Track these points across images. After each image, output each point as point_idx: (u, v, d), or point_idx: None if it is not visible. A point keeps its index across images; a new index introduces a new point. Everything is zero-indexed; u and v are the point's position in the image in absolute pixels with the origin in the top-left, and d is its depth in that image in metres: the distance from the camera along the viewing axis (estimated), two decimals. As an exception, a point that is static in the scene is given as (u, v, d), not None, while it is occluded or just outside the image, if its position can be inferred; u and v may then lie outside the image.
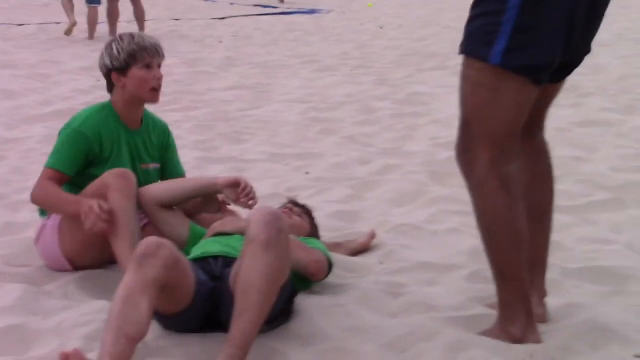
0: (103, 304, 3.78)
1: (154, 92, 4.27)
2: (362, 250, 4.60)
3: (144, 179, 4.31)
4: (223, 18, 16.93)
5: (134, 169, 4.28)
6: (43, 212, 4.34)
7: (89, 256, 4.22)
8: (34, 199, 4.21)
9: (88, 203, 3.96)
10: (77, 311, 3.77)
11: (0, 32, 13.98)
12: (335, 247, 4.54)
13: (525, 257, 3.39)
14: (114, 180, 4.02)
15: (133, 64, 4.20)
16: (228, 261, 3.67)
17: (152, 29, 14.28)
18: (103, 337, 3.09)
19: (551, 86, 3.46)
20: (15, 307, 3.80)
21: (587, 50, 3.41)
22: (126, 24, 14.19)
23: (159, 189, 4.24)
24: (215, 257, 3.72)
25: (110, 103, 4.34)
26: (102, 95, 8.77)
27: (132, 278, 3.15)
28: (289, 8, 19.22)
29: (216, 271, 3.64)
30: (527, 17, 3.14)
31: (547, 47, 3.20)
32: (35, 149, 6.78)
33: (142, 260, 3.17)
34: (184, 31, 14.70)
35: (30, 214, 5.12)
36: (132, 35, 4.27)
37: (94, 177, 4.18)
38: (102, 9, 13.70)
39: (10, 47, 12.34)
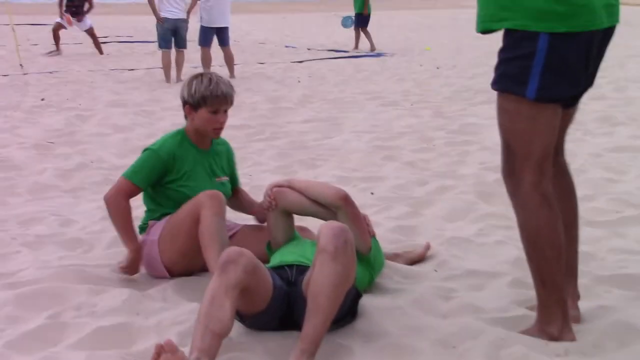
0: (195, 305, 3.81)
1: (216, 131, 4.32)
2: (418, 260, 4.58)
3: (220, 189, 4.36)
4: (301, 61, 17.01)
5: (211, 183, 4.36)
6: (142, 229, 4.42)
7: (184, 265, 4.27)
8: (107, 204, 4.25)
9: (132, 249, 4.19)
10: (174, 312, 3.82)
11: (114, 76, 14.25)
12: (395, 257, 4.53)
13: (562, 265, 3.36)
14: (207, 200, 4.06)
15: (203, 106, 4.23)
16: (301, 269, 3.69)
17: (241, 71, 14.44)
18: (193, 334, 3.13)
19: (567, 111, 3.46)
20: (122, 308, 3.86)
21: (593, 79, 3.42)
22: (219, 67, 14.35)
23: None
24: (290, 266, 3.74)
25: (184, 129, 4.40)
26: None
27: (216, 282, 3.18)
28: (358, 52, 19.25)
29: (291, 277, 3.65)
30: (554, 58, 3.15)
31: (573, 81, 3.24)
32: (141, 174, 6.87)
33: (225, 267, 3.20)
34: (268, 73, 14.82)
35: (136, 229, 5.19)
36: (210, 80, 4.25)
37: (172, 191, 4.28)
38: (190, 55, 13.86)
39: (122, 88, 12.57)
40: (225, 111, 4.31)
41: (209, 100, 4.21)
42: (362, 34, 20.12)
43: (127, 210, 4.24)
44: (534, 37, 3.15)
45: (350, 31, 20.12)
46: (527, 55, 3.17)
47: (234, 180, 4.66)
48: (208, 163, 4.41)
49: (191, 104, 4.26)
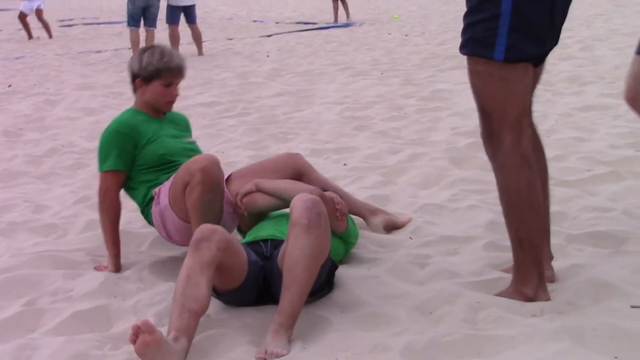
0: (172, 285, 3.79)
1: (168, 105, 4.22)
2: (397, 227, 4.59)
3: (189, 147, 4.28)
4: (269, 35, 16.94)
5: (179, 142, 4.24)
6: (147, 215, 4.26)
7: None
8: (99, 201, 4.18)
9: (113, 255, 4.12)
10: (150, 292, 3.81)
11: (81, 59, 14.11)
12: (379, 211, 4.58)
13: (541, 226, 3.39)
14: (198, 174, 3.83)
15: (156, 79, 4.13)
16: (276, 243, 3.69)
17: (209, 48, 14.35)
18: (170, 313, 3.13)
19: (535, 70, 3.46)
20: (98, 291, 3.84)
21: (558, 38, 3.42)
22: (187, 45, 14.26)
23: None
24: (265, 240, 3.74)
25: (133, 109, 4.27)
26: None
27: (190, 260, 3.17)
28: (327, 23, 19.16)
29: (266, 252, 3.65)
30: (518, 18, 3.16)
31: (539, 40, 3.25)
32: (113, 157, 6.83)
33: (198, 244, 3.19)
34: (236, 48, 14.73)
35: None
36: (162, 52, 4.16)
37: (147, 156, 4.13)
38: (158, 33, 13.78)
39: (90, 71, 12.45)
40: (178, 83, 4.21)
41: (163, 73, 4.12)
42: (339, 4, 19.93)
43: (118, 210, 4.16)
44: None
45: (318, 2, 19.98)
46: (492, 17, 3.17)
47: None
48: (168, 128, 4.28)
49: (143, 77, 4.14)
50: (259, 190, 4.01)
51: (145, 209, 4.24)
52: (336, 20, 19.58)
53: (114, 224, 4.15)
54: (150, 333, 2.91)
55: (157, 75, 4.12)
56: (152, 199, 4.19)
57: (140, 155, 4.16)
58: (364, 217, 4.53)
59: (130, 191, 4.30)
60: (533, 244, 3.36)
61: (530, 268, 3.38)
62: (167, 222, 4.10)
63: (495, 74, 3.24)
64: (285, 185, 4.05)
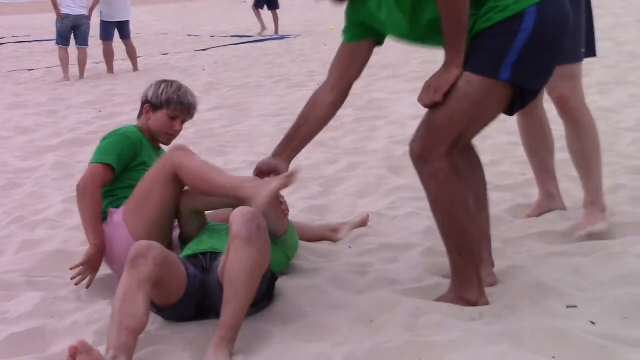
0: (110, 303, 3.76)
1: (168, 138, 4.21)
2: (362, 226, 4.70)
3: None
4: (205, 49, 16.87)
5: None
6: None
7: (158, 236, 3.79)
8: (79, 189, 3.93)
9: (95, 244, 3.90)
10: (89, 311, 3.75)
11: (14, 77, 13.88)
12: (342, 225, 4.66)
13: (477, 230, 3.43)
14: (179, 152, 3.80)
15: (165, 108, 4.14)
16: (215, 255, 3.66)
17: (144, 64, 14.23)
18: (108, 332, 3.09)
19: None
20: (35, 312, 3.77)
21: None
22: (122, 61, 14.13)
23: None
24: (204, 253, 3.72)
25: (135, 126, 4.23)
26: (104, 125, 8.79)
27: (127, 278, 3.14)
28: (262, 36, 19.16)
29: (205, 264, 3.63)
30: (531, 49, 3.23)
31: (542, 78, 3.35)
32: (48, 175, 6.73)
33: (135, 261, 3.16)
34: (172, 63, 14.64)
35: (45, 232, 5.10)
36: (180, 87, 4.20)
37: (134, 178, 4.00)
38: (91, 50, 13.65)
39: (23, 89, 12.25)
40: (183, 121, 4.22)
41: (173, 103, 4.14)
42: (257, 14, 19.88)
43: (99, 201, 3.95)
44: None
45: (254, 16, 19.96)
46: (507, 40, 3.23)
47: None
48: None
49: (152, 104, 4.16)
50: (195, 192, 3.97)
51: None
52: (263, 26, 19.58)
53: (95, 213, 3.92)
54: (88, 353, 2.87)
55: (166, 104, 4.14)
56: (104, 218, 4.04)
57: (132, 170, 4.08)
58: (329, 238, 4.58)
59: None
60: (472, 250, 3.39)
61: (470, 274, 3.42)
62: (115, 243, 3.93)
63: (473, 96, 3.25)
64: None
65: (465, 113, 3.28)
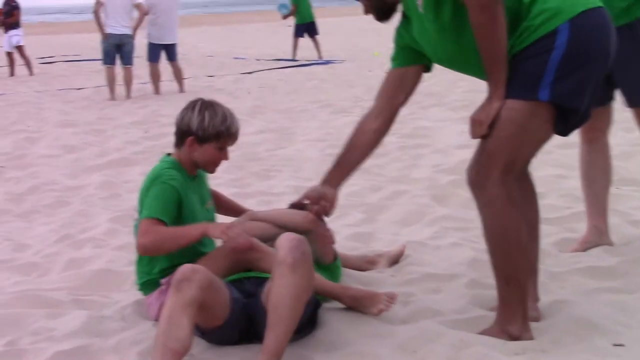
0: (154, 324, 3.81)
1: (214, 167, 3.94)
2: (399, 258, 4.66)
3: (210, 217, 4.06)
4: (250, 72, 17.02)
5: (203, 210, 4.01)
6: (145, 289, 3.96)
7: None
8: (147, 246, 3.66)
9: (215, 225, 3.72)
10: (133, 331, 3.79)
11: (62, 96, 14.12)
12: (378, 257, 4.64)
13: (526, 263, 3.43)
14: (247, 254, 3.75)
15: (213, 141, 3.82)
16: (259, 281, 3.69)
17: (190, 86, 14.38)
18: (152, 354, 3.12)
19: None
20: (80, 330, 3.82)
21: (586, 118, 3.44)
22: (168, 82, 14.30)
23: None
24: (248, 278, 3.75)
25: (173, 158, 3.95)
26: (150, 145, 8.90)
27: (172, 301, 3.17)
28: (307, 60, 19.28)
29: (250, 289, 3.66)
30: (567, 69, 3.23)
31: (581, 98, 3.30)
32: (94, 194, 6.83)
33: (180, 285, 3.19)
34: (218, 85, 14.78)
35: (92, 250, 5.17)
36: (225, 117, 3.83)
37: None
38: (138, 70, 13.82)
39: (71, 108, 12.46)
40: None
41: (223, 137, 3.82)
42: (304, 42, 20.07)
43: (161, 227, 3.68)
44: None
45: (301, 40, 20.10)
46: (542, 60, 3.24)
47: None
48: (199, 190, 4.02)
49: (199, 137, 3.82)
50: (253, 219, 4.03)
51: (144, 284, 3.96)
52: (294, 56, 19.77)
53: (174, 231, 3.72)
54: None
55: (216, 138, 3.81)
56: (156, 282, 3.91)
57: (178, 222, 3.82)
58: (365, 270, 4.56)
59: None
60: (519, 281, 3.38)
61: (515, 306, 3.41)
62: None
63: (521, 119, 3.26)
64: (276, 212, 4.12)
65: (512, 138, 3.29)
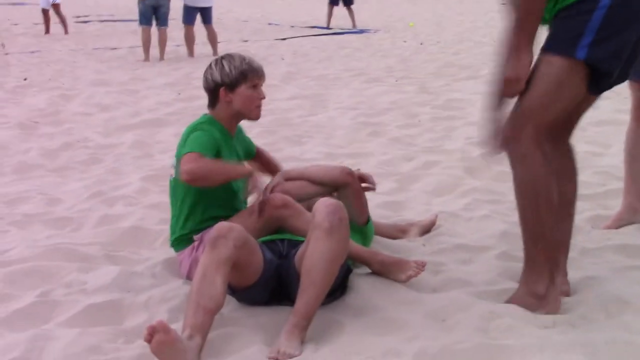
0: (184, 282, 3.85)
1: (257, 110, 3.95)
2: (430, 227, 4.66)
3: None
4: (284, 39, 16.97)
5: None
6: (178, 246, 3.98)
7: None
8: (195, 171, 3.61)
9: (247, 168, 3.78)
10: (163, 288, 3.82)
11: (97, 55, 14.16)
12: (409, 226, 4.64)
13: (555, 223, 3.41)
14: (282, 211, 3.82)
15: (242, 83, 3.88)
16: (293, 243, 3.71)
17: (224, 50, 14.30)
18: (185, 310, 3.15)
19: (592, 97, 3.50)
20: (112, 285, 3.86)
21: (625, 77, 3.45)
22: (202, 46, 14.29)
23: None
24: (282, 240, 3.76)
25: (210, 117, 3.97)
26: (182, 107, 8.92)
27: (207, 258, 3.20)
28: (341, 29, 19.19)
29: (283, 251, 3.67)
30: (607, 28, 3.21)
31: (618, 59, 3.29)
32: (127, 153, 6.87)
33: (216, 242, 3.22)
34: (252, 50, 14.75)
35: (124, 208, 5.21)
36: (241, 56, 3.95)
37: (212, 196, 3.86)
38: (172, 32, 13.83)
39: (105, 67, 12.50)
40: (261, 87, 3.97)
41: (249, 74, 3.88)
42: (339, 11, 19.97)
43: (213, 159, 3.72)
44: None
45: (336, 9, 20.00)
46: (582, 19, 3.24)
47: (251, 146, 4.34)
48: (235, 150, 4.03)
49: (227, 85, 3.87)
50: (287, 179, 4.03)
51: (177, 240, 3.97)
52: (328, 25, 19.66)
53: (217, 163, 3.77)
54: (166, 332, 2.93)
55: (243, 78, 3.87)
56: (189, 238, 3.93)
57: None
58: (397, 238, 4.56)
59: (180, 202, 3.94)
60: (547, 240, 3.38)
61: (542, 265, 3.40)
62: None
63: (557, 75, 3.27)
64: (312, 169, 4.15)
65: (547, 93, 3.30)
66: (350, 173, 4.07)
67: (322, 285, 3.27)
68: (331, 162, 6.30)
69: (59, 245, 4.37)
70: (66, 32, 18.21)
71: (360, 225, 4.07)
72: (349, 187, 4.00)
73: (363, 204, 4.08)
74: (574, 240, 4.30)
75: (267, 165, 4.39)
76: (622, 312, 3.37)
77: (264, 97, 3.96)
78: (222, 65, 3.90)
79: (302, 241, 3.50)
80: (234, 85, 3.89)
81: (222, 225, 3.30)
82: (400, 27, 19.60)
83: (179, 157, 3.81)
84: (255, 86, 3.92)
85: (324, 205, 3.36)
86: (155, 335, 2.93)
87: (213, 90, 3.93)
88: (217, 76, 3.90)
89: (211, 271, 3.17)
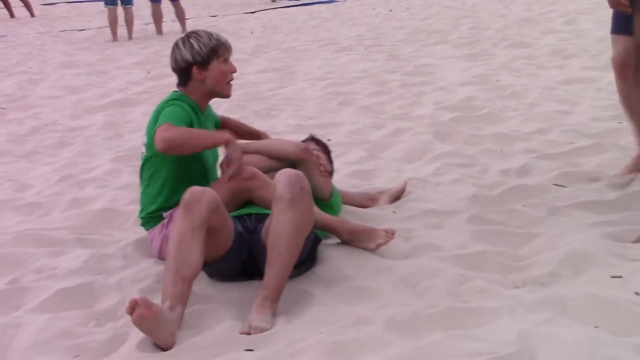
0: (155, 261, 3.83)
1: (229, 86, 3.94)
2: (400, 195, 4.65)
3: (214, 154, 4.05)
4: (253, 12, 16.85)
5: (213, 153, 4.02)
6: (147, 224, 3.95)
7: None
8: (171, 138, 3.60)
9: (224, 136, 3.76)
10: (135, 269, 3.81)
11: (65, 37, 14.01)
12: (379, 194, 4.62)
13: None
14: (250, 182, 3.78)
15: (214, 58, 3.85)
16: (260, 217, 3.69)
17: (193, 26, 14.19)
18: (163, 279, 3.17)
19: None
20: (82, 269, 3.84)
21: None
22: (171, 23, 14.17)
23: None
24: (249, 215, 3.74)
25: (181, 93, 3.92)
26: (152, 85, 8.85)
27: (182, 224, 3.20)
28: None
29: (250, 226, 3.66)
30: None
31: None
32: (97, 135, 6.82)
33: (189, 206, 3.22)
34: (221, 25, 14.64)
35: (94, 190, 5.17)
36: (207, 32, 3.91)
37: (193, 160, 3.85)
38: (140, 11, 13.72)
39: (73, 49, 12.37)
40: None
41: (219, 49, 3.84)
42: None
43: (189, 128, 3.72)
44: None
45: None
46: None
47: (216, 118, 4.25)
48: (205, 125, 3.98)
49: (199, 62, 3.83)
50: (244, 152, 3.97)
51: (147, 218, 3.95)
52: None
53: (189, 129, 3.74)
54: (148, 307, 2.94)
55: (214, 54, 3.84)
56: (159, 216, 3.91)
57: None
58: (367, 207, 4.54)
59: (150, 178, 3.91)
60: None
61: None
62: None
63: None
64: (267, 142, 4.12)
65: None
66: (305, 149, 4.00)
67: (289, 256, 3.26)
68: (300, 135, 6.28)
69: (29, 231, 4.34)
70: (32, 15, 17.99)
71: (324, 200, 4.04)
72: (305, 163, 3.96)
73: (324, 178, 4.05)
74: (542, 199, 4.34)
75: (240, 129, 4.34)
76: (590, 267, 3.39)
77: (235, 71, 3.94)
78: (191, 44, 3.85)
79: (269, 214, 3.48)
80: (206, 62, 3.85)
81: (194, 189, 3.29)
82: (369, -6, 19.50)
83: (150, 132, 3.78)
84: (226, 60, 3.91)
85: (284, 176, 3.35)
86: (137, 309, 2.93)
87: (184, 70, 3.88)
88: (187, 55, 3.85)
89: (187, 238, 3.17)
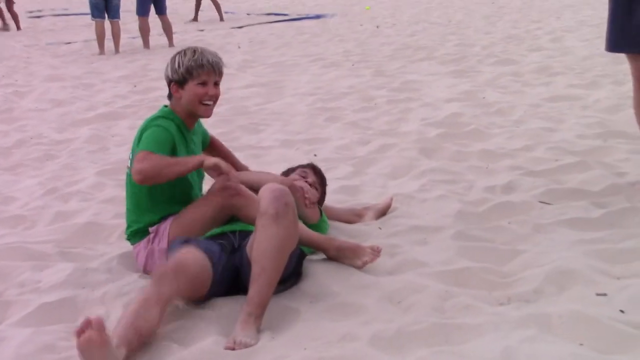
0: (140, 275, 3.81)
1: (206, 107, 3.88)
2: (386, 210, 4.65)
3: (199, 174, 4.05)
4: (241, 27, 16.87)
5: (198, 173, 4.03)
6: (133, 238, 3.95)
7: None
8: (146, 170, 3.60)
9: (198, 158, 3.74)
10: (119, 283, 3.79)
11: (51, 50, 13.99)
12: (365, 210, 4.62)
13: None
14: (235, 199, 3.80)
15: (189, 80, 3.84)
16: (244, 234, 3.68)
17: (180, 40, 14.25)
18: (119, 319, 3.11)
19: None
20: (66, 282, 3.82)
21: None
22: (158, 37, 14.17)
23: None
24: (234, 232, 3.73)
25: (169, 110, 3.93)
26: (138, 99, 8.85)
27: (151, 289, 3.15)
28: (298, 15, 19.10)
29: (235, 243, 3.64)
30: None
31: None
32: (82, 148, 6.80)
33: (162, 280, 3.19)
34: (208, 40, 14.64)
35: (78, 204, 5.15)
36: (194, 51, 3.88)
37: (168, 192, 3.86)
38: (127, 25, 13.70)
39: (60, 62, 12.35)
40: (216, 84, 3.89)
41: (194, 70, 3.82)
42: None
43: (164, 156, 3.68)
44: None
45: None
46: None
47: (206, 135, 4.27)
48: (191, 142, 3.98)
49: (177, 81, 3.85)
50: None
51: (133, 233, 3.95)
52: None
53: (169, 160, 3.72)
54: (99, 331, 2.81)
55: (189, 74, 3.83)
56: (145, 230, 3.91)
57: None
58: (353, 223, 4.54)
59: (136, 193, 3.90)
60: None
61: None
62: (155, 263, 3.83)
63: None
64: (253, 174, 4.11)
65: None
66: (291, 186, 3.87)
67: (273, 272, 3.25)
68: (287, 150, 6.30)
69: (12, 245, 4.31)
70: (19, 27, 17.96)
71: (312, 224, 4.05)
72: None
73: (306, 209, 4.04)
74: (527, 216, 4.36)
75: (226, 158, 4.26)
76: (574, 284, 3.40)
77: (212, 95, 3.87)
78: (174, 61, 3.89)
79: (253, 230, 3.47)
80: (182, 81, 3.86)
81: (172, 262, 3.27)
82: (356, 10, 19.56)
83: (135, 150, 3.77)
84: (205, 83, 3.85)
85: (269, 191, 3.35)
86: (87, 330, 2.80)
87: (168, 84, 3.94)
88: (168, 71, 3.91)
89: (151, 301, 3.11)
